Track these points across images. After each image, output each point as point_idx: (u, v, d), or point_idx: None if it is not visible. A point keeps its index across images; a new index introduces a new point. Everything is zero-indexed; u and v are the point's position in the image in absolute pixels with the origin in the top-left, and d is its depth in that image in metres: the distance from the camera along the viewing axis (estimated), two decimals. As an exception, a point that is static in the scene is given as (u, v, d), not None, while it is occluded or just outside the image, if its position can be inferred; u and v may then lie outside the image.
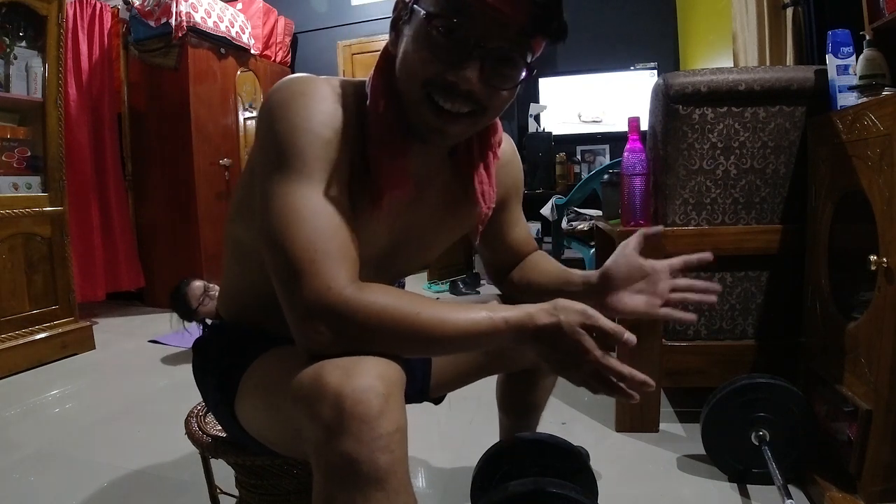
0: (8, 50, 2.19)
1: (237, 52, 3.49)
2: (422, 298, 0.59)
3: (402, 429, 0.51)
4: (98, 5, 3.09)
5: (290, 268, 0.56)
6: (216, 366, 0.76)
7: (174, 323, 2.10)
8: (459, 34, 0.56)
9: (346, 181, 0.62)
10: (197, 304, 2.09)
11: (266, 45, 3.83)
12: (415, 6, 0.59)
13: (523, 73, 0.60)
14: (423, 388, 0.91)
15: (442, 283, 3.50)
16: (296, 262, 0.55)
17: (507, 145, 0.83)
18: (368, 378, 0.51)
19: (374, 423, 0.49)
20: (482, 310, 0.60)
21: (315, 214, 0.57)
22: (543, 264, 0.89)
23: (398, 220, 0.71)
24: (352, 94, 0.65)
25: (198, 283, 2.16)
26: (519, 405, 1.04)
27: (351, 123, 0.63)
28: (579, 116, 3.69)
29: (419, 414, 1.02)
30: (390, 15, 0.66)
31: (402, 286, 0.96)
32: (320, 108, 0.61)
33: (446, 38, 0.57)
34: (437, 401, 0.97)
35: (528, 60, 0.59)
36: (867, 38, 1.11)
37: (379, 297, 0.56)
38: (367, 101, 0.64)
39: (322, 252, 0.56)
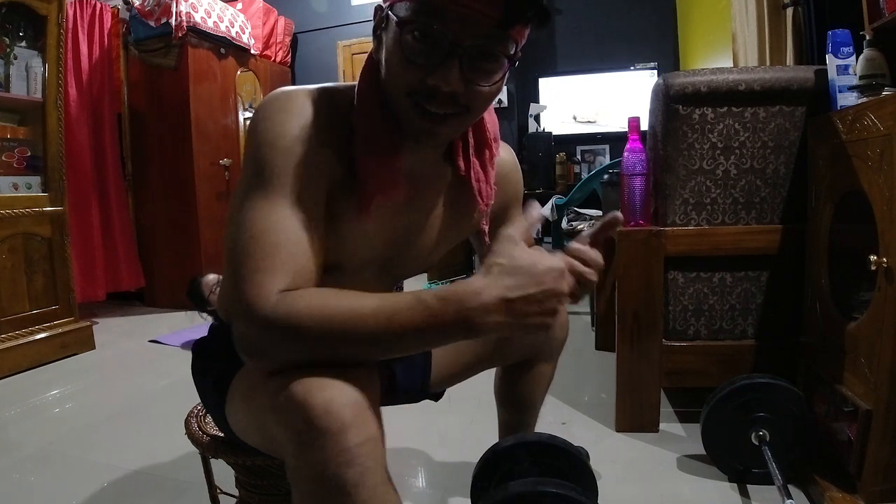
0: (8, 50, 2.19)
1: (237, 51, 3.49)
2: (348, 297, 0.54)
3: (373, 439, 0.51)
4: (98, 5, 3.09)
5: (231, 280, 0.56)
6: (214, 368, 0.76)
7: (195, 316, 2.34)
8: (433, 37, 0.55)
9: (320, 195, 0.62)
10: (209, 293, 2.25)
11: (266, 45, 3.83)
12: (389, 12, 0.58)
13: (505, 67, 0.59)
14: (423, 385, 0.91)
15: (442, 283, 3.50)
16: (234, 275, 0.56)
17: (508, 156, 0.83)
18: (334, 389, 0.50)
19: (340, 435, 0.48)
20: (410, 297, 0.53)
21: (263, 229, 0.57)
22: None
23: (396, 221, 0.71)
24: (340, 103, 0.65)
25: (211, 276, 2.33)
26: (517, 398, 1.04)
27: (337, 132, 0.63)
28: (574, 118, 3.69)
29: (419, 414, 1.02)
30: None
31: (400, 288, 0.97)
32: (297, 123, 0.61)
33: (421, 42, 0.56)
34: (437, 396, 0.97)
35: (512, 51, 0.58)
36: (867, 38, 1.11)
37: (298, 304, 0.53)
38: (355, 105, 0.64)
39: (255, 267, 0.55)
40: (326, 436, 0.48)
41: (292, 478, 0.51)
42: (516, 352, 0.96)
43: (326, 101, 0.64)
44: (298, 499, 0.51)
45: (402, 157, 0.65)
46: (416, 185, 0.70)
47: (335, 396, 0.50)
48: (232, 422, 0.71)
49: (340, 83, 0.69)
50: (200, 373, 0.80)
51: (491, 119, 0.74)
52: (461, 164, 0.71)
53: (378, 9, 0.62)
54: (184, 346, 2.39)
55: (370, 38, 0.66)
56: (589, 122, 3.67)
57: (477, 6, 0.54)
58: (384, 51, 0.61)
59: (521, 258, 0.53)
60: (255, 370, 0.65)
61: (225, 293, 0.82)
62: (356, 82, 0.67)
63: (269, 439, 0.61)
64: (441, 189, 0.74)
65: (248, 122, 3.61)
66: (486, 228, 0.78)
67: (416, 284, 3.45)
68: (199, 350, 0.83)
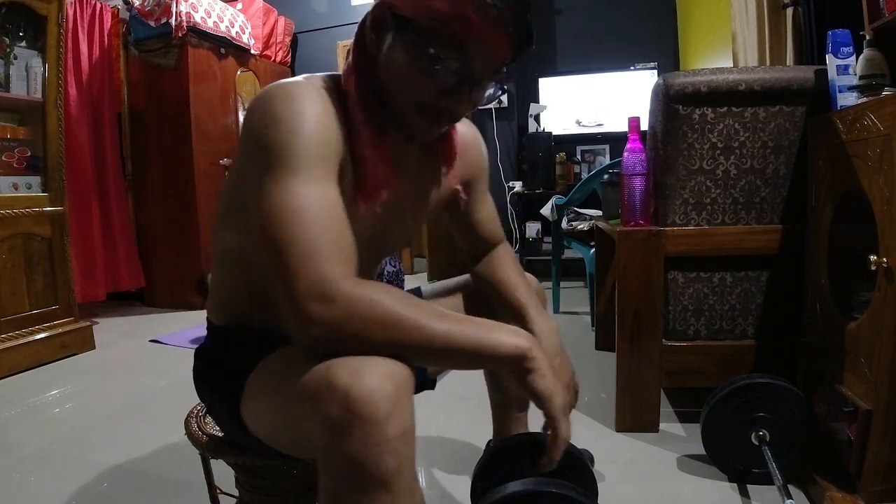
0: (8, 50, 2.19)
1: (237, 52, 3.49)
2: (417, 304, 0.59)
3: (410, 431, 0.52)
4: (98, 5, 3.09)
5: (287, 264, 0.55)
6: (220, 369, 0.76)
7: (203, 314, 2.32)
8: (460, 72, 0.62)
9: (339, 178, 0.63)
10: None
11: (266, 45, 3.83)
12: (409, 26, 0.62)
13: (494, 87, 0.68)
14: (424, 377, 0.91)
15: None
16: (292, 258, 0.55)
17: (469, 131, 0.88)
18: (377, 378, 0.51)
19: (382, 425, 0.49)
20: (477, 326, 0.61)
21: (309, 210, 0.57)
22: (502, 271, 0.91)
23: (383, 208, 0.73)
24: (334, 91, 0.67)
25: None
26: (506, 393, 1.04)
27: (338, 120, 0.65)
28: (578, 122, 3.69)
29: (419, 413, 1.01)
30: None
31: (402, 284, 0.98)
32: (310, 108, 0.62)
33: (441, 66, 0.62)
34: (432, 384, 0.97)
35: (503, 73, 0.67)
36: (867, 38, 1.11)
37: (371, 294, 0.56)
38: (349, 101, 0.66)
39: (315, 247, 0.56)
40: (368, 424, 0.49)
41: (326, 465, 0.51)
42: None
43: (326, 90, 0.66)
44: (331, 487, 0.51)
45: (393, 148, 0.70)
46: (398, 174, 0.73)
47: (380, 386, 0.50)
48: (251, 419, 0.70)
49: (323, 73, 0.71)
50: (204, 376, 0.80)
51: None
52: (435, 146, 0.78)
53: (383, 6, 0.64)
54: (193, 342, 2.39)
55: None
56: (593, 122, 3.67)
57: (499, 52, 0.63)
58: (391, 52, 0.64)
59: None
60: (277, 364, 0.66)
61: (220, 295, 0.81)
62: (339, 73, 0.70)
63: (296, 431, 0.61)
64: (411, 166, 0.78)
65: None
66: (460, 188, 0.84)
67: (416, 283, 3.45)
68: (203, 354, 0.82)
